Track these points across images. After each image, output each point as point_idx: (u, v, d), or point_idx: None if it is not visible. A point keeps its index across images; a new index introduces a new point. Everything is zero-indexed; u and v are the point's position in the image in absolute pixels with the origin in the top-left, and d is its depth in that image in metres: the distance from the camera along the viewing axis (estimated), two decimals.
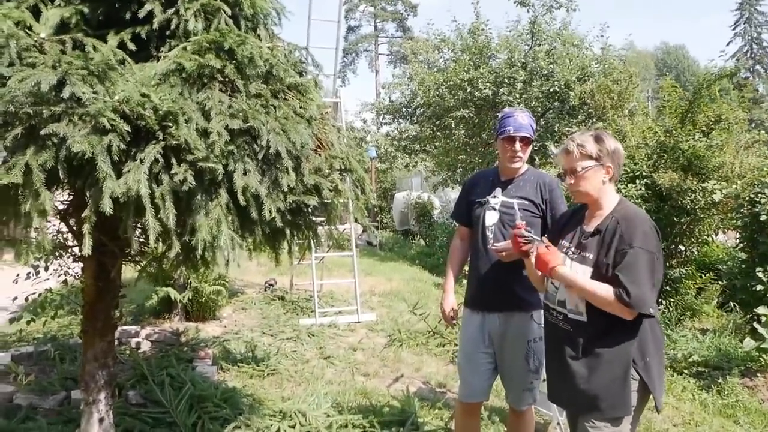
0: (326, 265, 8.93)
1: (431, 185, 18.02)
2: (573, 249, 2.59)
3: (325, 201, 2.83)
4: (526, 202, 3.21)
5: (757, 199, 6.78)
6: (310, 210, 2.90)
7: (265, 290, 8.22)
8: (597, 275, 2.42)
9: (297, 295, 8.15)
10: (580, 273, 2.46)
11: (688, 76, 44.22)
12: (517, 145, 3.18)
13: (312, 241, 3.27)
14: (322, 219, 3.21)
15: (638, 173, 8.23)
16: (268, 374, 5.11)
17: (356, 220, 4.14)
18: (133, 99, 2.16)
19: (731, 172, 7.75)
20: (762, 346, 5.77)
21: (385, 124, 17.89)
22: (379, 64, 49.97)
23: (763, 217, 6.87)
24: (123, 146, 2.13)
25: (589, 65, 10.71)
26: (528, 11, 11.54)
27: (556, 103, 10.92)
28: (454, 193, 18.38)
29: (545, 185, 3.26)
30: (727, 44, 51.87)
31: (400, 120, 16.13)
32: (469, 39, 12.08)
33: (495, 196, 3.29)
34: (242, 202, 2.37)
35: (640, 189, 7.92)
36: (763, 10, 51.34)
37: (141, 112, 2.16)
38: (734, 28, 52.24)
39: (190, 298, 6.38)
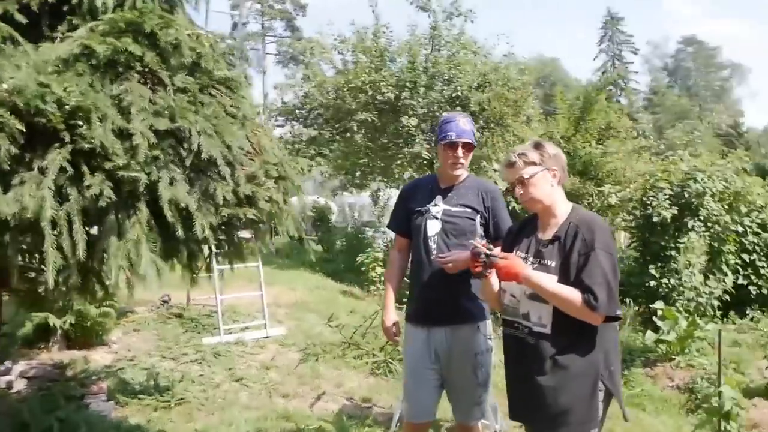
0: (224, 276, 8.37)
1: (328, 190, 17.73)
2: (531, 259, 2.48)
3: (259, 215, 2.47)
4: (469, 210, 3.07)
5: (649, 202, 7.07)
6: (241, 224, 2.53)
7: (159, 307, 7.52)
8: (562, 282, 2.33)
9: (196, 311, 7.54)
10: (546, 278, 2.34)
11: (561, 87, 46.88)
12: (460, 151, 3.02)
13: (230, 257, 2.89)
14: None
15: None
16: (175, 405, 4.60)
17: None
18: (28, 89, 1.71)
19: (623, 177, 8.12)
20: (660, 337, 5.98)
21: (278, 126, 17.33)
22: (266, 64, 49.02)
23: (654, 219, 7.16)
24: (15, 150, 1.68)
25: (489, 73, 10.87)
26: (429, 16, 11.58)
27: (458, 108, 10.99)
28: (351, 198, 18.24)
29: (487, 193, 3.13)
30: (594, 59, 55.80)
31: (294, 122, 15.64)
32: (369, 41, 11.91)
33: (436, 205, 3.11)
34: (169, 218, 1.98)
35: None
36: (624, 30, 55.60)
37: (40, 107, 1.71)
38: (600, 44, 56.24)
39: (72, 322, 5.45)
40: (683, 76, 56.98)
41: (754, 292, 7.25)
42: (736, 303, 7.14)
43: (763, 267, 7.25)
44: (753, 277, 7.21)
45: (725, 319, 6.92)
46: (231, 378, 5.33)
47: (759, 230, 7.30)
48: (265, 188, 2.45)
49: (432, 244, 3.04)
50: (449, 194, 3.10)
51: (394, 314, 3.21)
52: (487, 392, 3.11)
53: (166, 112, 1.97)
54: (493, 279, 2.55)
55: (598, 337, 2.34)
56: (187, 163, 2.07)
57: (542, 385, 2.35)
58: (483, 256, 2.40)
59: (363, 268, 9.84)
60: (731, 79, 55.94)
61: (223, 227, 2.34)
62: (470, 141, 3.02)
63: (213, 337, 6.44)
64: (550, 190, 2.45)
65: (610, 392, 2.38)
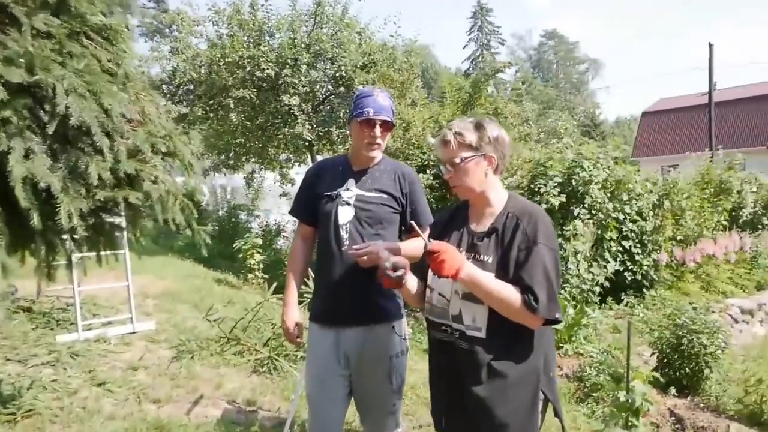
0: (84, 263, 7.46)
1: (200, 170, 16.69)
2: (465, 253, 2.19)
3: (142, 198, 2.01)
4: (385, 196, 2.77)
5: (537, 189, 7.16)
6: (119, 210, 2.04)
7: (2, 300, 6.53)
8: (500, 279, 2.08)
9: (49, 304, 6.64)
10: (486, 275, 2.06)
11: (432, 73, 47.85)
12: (377, 130, 2.69)
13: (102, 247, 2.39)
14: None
15: (426, 162, 8.29)
16: (22, 417, 3.89)
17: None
18: None
19: (510, 164, 8.18)
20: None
21: None
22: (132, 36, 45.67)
23: (543, 206, 7.28)
24: None
25: (373, 53, 10.59)
26: None
27: (341, 89, 10.63)
28: (223, 180, 17.33)
29: (404, 176, 2.84)
30: (464, 47, 57.70)
31: (161, 98, 14.49)
32: (247, 14, 11.19)
33: (348, 189, 2.77)
34: (21, 203, 1.49)
35: (430, 179, 7.95)
36: (492, 20, 57.89)
37: None
38: (469, 34, 58.21)
39: None
40: (545, 68, 60.36)
41: (629, 278, 7.59)
42: (613, 289, 7.44)
43: (637, 254, 7.61)
44: (628, 263, 7.55)
45: (603, 305, 7.18)
46: (91, 382, 4.64)
47: (637, 217, 7.65)
48: (151, 165, 1.98)
49: (344, 234, 2.70)
50: (363, 178, 2.78)
51: (296, 313, 2.84)
52: (401, 400, 2.84)
53: (20, 60, 1.46)
54: (410, 277, 2.26)
55: (535, 340, 2.12)
56: (50, 130, 1.58)
57: (477, 395, 2.11)
58: (391, 269, 2.13)
59: (240, 255, 9.26)
60: (588, 73, 60.21)
61: (95, 214, 1.84)
62: (389, 119, 2.70)
63: (69, 334, 5.64)
64: (482, 179, 2.19)
65: (548, 400, 2.17)
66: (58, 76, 1.55)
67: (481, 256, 2.13)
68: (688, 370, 5.05)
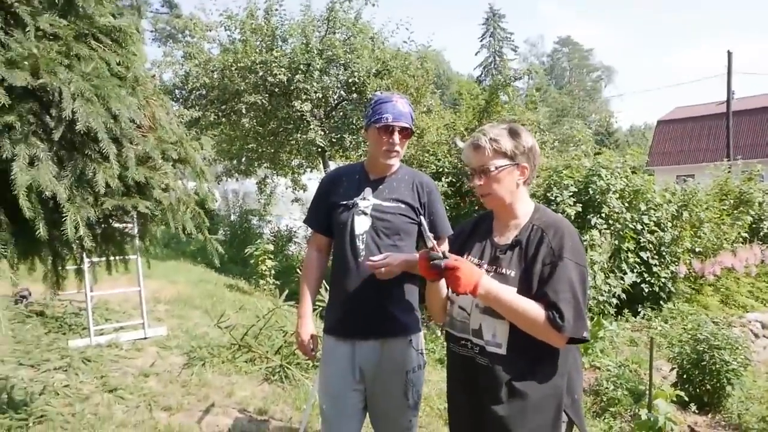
0: (96, 269, 7.43)
1: (211, 175, 16.72)
2: (486, 266, 2.11)
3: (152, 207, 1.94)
4: (403, 206, 2.68)
5: (553, 198, 7.05)
6: (129, 218, 1.97)
7: (16, 304, 6.52)
8: (523, 295, 1.98)
9: (62, 308, 6.62)
10: (507, 290, 1.96)
11: (444, 80, 47.82)
12: (396, 137, 2.60)
13: (112, 255, 2.32)
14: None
15: (441, 170, 8.20)
16: (34, 423, 3.85)
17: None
18: None
19: None
20: None
21: None
22: (143, 39, 45.99)
23: (558, 214, 7.16)
24: None
25: (389, 60, 10.53)
26: None
27: (354, 95, 10.57)
28: (235, 185, 17.33)
29: (422, 186, 2.74)
30: (476, 53, 57.55)
31: (173, 103, 14.53)
32: (261, 19, 11.17)
33: (365, 198, 2.68)
34: (26, 212, 1.42)
35: (444, 186, 7.86)
36: (505, 27, 57.67)
37: None
38: (481, 40, 58.04)
39: None
40: (558, 75, 60.12)
41: (646, 290, 7.44)
42: (629, 301, 7.30)
43: (655, 265, 7.46)
44: (646, 275, 7.40)
45: (619, 317, 7.04)
46: (103, 388, 4.60)
47: (655, 228, 7.50)
48: (162, 173, 1.91)
49: (360, 244, 2.61)
50: (380, 187, 2.69)
51: (311, 326, 2.76)
52: (417, 416, 2.73)
53: (25, 62, 1.40)
54: (442, 284, 2.18)
55: (560, 359, 2.01)
56: (56, 136, 1.51)
57: (497, 415, 2.01)
58: (437, 260, 1.97)
59: (252, 261, 9.21)
60: (602, 81, 59.86)
61: (103, 223, 1.77)
62: (408, 126, 2.61)
63: (81, 339, 5.62)
64: (513, 189, 2.09)
65: (572, 423, 2.07)
66: (65, 79, 1.49)
67: (504, 270, 2.04)
68: (709, 386, 4.90)
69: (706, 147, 30.73)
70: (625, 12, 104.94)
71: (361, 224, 2.63)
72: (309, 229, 2.94)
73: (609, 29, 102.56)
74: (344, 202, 2.68)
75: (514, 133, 2.09)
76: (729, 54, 24.07)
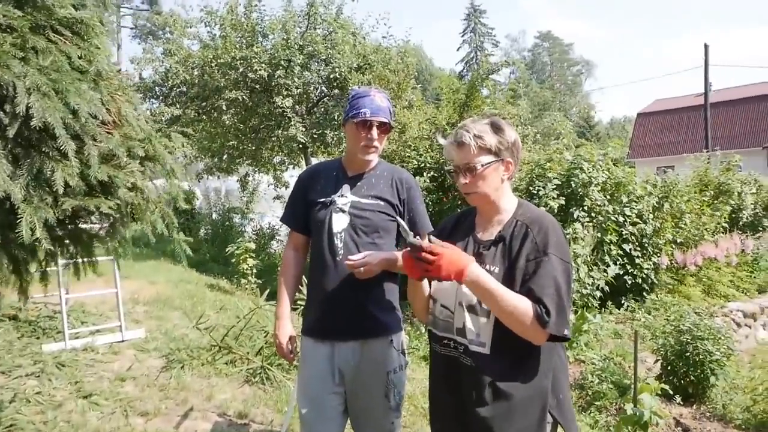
0: (71, 270, 7.26)
1: (192, 173, 16.52)
2: None
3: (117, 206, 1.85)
4: (382, 203, 2.61)
5: (536, 191, 7.02)
6: (94, 219, 1.88)
7: None
8: None
9: (36, 312, 6.45)
10: (494, 280, 1.89)
11: (426, 75, 47.74)
12: (374, 132, 2.54)
13: (79, 257, 2.23)
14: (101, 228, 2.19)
15: (423, 165, 8.14)
16: None
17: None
18: None
19: None
20: None
21: None
22: (121, 37, 45.33)
23: (541, 208, 7.14)
24: None
25: (369, 55, 10.43)
26: None
27: (336, 90, 10.47)
28: (216, 183, 17.13)
29: (402, 182, 2.68)
30: (458, 49, 57.58)
31: (153, 100, 14.29)
32: (242, 15, 11.02)
33: (343, 195, 2.61)
34: None
35: (426, 181, 7.80)
36: (486, 22, 57.78)
37: None
38: (463, 35, 58.09)
39: None
40: (539, 70, 60.39)
41: (629, 282, 7.45)
42: (612, 293, 7.30)
43: (637, 257, 7.47)
44: (629, 267, 7.40)
45: (603, 310, 7.03)
46: (77, 394, 4.48)
47: (637, 220, 7.50)
48: (128, 171, 1.82)
49: (338, 243, 2.55)
50: (358, 183, 2.62)
51: (289, 327, 2.69)
52: (399, 418, 2.67)
53: None
54: (425, 282, 2.11)
55: (544, 358, 1.97)
56: (11, 133, 1.42)
57: (481, 416, 1.95)
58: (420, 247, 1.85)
59: (233, 260, 9.09)
60: (582, 75, 60.28)
61: (69, 224, 1.68)
62: (387, 120, 2.55)
63: (56, 343, 5.47)
64: (498, 185, 2.04)
65: (557, 423, 2.01)
66: (19, 73, 1.40)
67: (487, 266, 1.98)
68: (693, 377, 4.91)
69: (685, 138, 31.09)
70: (607, 5, 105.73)
71: (339, 222, 2.57)
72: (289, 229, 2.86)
73: (590, 23, 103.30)
74: (322, 200, 2.61)
75: (497, 128, 2.04)
76: (706, 47, 24.31)
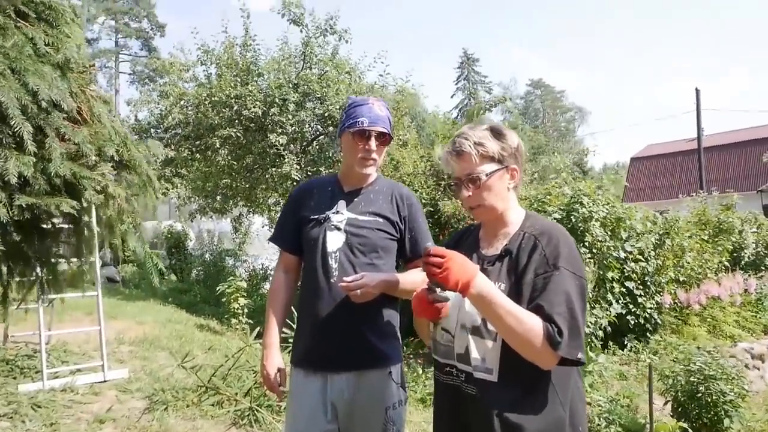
0: (55, 308, 7.00)
1: (185, 214, 16.33)
2: None
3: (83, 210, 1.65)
4: (380, 220, 2.40)
5: None
6: (55, 225, 1.68)
7: None
8: None
9: (15, 350, 6.17)
10: (502, 294, 1.68)
11: (419, 121, 48.13)
12: (373, 143, 2.35)
13: (43, 279, 2.02)
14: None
15: (419, 201, 7.98)
16: None
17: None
18: None
19: None
20: None
21: None
22: (120, 83, 45.81)
23: (552, 220, 6.96)
24: None
25: (365, 93, 10.41)
26: (301, 31, 10.91)
27: (330, 128, 10.39)
28: (210, 224, 16.95)
29: (403, 198, 2.48)
30: (452, 96, 58.26)
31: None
32: (237, 54, 11.03)
33: (338, 212, 2.41)
34: None
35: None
36: (479, 70, 58.72)
37: None
38: (456, 83, 58.92)
39: None
40: (532, 116, 61.09)
41: (632, 322, 7.20)
42: (615, 333, 7.05)
43: (640, 296, 7.25)
44: (631, 306, 7.17)
45: (606, 350, 6.77)
46: None
47: (639, 257, 7.31)
48: (99, 173, 1.62)
49: (332, 263, 2.33)
50: (355, 199, 2.43)
51: (278, 357, 2.43)
52: None
53: None
54: None
55: (560, 385, 1.73)
56: None
57: None
58: (436, 290, 1.68)
59: (224, 299, 8.81)
60: (575, 121, 61.09)
61: (21, 227, 1.48)
62: (386, 130, 2.37)
63: (33, 383, 5.19)
64: (505, 195, 1.86)
65: None
66: None
67: (493, 282, 1.77)
68: (706, 419, 4.63)
69: (679, 182, 31.20)
70: (599, 55, 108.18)
71: (334, 241, 2.36)
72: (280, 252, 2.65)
73: (579, 72, 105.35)
74: (315, 217, 2.41)
75: (498, 134, 1.87)
76: (697, 91, 24.56)
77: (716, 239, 9.85)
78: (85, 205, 1.57)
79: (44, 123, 1.42)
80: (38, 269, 1.87)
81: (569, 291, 1.67)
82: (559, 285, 1.67)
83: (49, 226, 1.75)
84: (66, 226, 1.87)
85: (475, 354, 1.76)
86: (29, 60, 1.39)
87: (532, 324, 1.62)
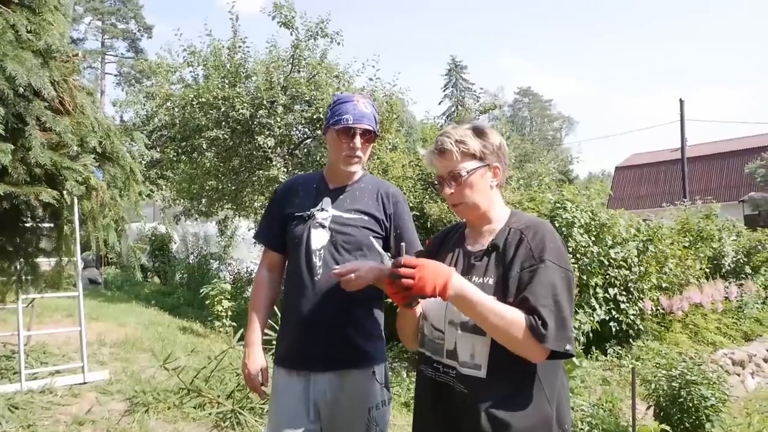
0: (36, 308, 6.90)
1: (170, 216, 16.20)
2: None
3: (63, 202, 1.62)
4: (366, 218, 2.40)
5: None
6: (34, 217, 1.66)
7: None
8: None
9: None
10: (481, 291, 1.68)
11: (406, 127, 48.20)
12: (358, 140, 2.34)
13: (23, 276, 1.99)
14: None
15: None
16: None
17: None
18: None
19: None
20: None
21: None
22: (105, 84, 45.45)
23: (538, 217, 6.98)
24: None
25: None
26: (291, 34, 10.86)
27: (318, 132, 10.36)
28: (195, 227, 16.82)
29: (389, 196, 2.48)
30: (439, 103, 58.41)
31: (133, 143, 14.08)
32: (224, 56, 10.97)
33: (323, 209, 2.40)
34: None
35: None
36: (467, 78, 58.88)
37: None
38: (444, 90, 59.09)
39: None
40: (519, 124, 61.44)
41: (614, 328, 7.23)
42: (597, 339, 7.08)
43: (623, 302, 7.28)
44: (614, 312, 7.20)
45: (588, 356, 6.79)
46: None
47: (622, 263, 7.35)
48: (81, 164, 1.60)
49: (317, 261, 2.32)
50: (341, 197, 2.41)
51: (261, 357, 2.41)
52: None
53: None
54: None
55: (547, 382, 1.74)
56: None
57: None
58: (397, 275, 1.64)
59: (207, 301, 8.74)
60: (562, 130, 61.50)
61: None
62: (371, 128, 2.36)
63: (11, 384, 5.10)
64: (488, 193, 1.88)
65: None
66: None
67: (480, 278, 1.78)
68: (688, 424, 4.66)
69: (663, 191, 31.51)
70: (582, 65, 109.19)
71: (319, 238, 2.35)
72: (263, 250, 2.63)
73: (566, 80, 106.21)
74: (299, 214, 2.40)
75: (479, 132, 1.89)
76: (681, 102, 24.83)
77: (696, 246, 9.95)
78: (66, 196, 1.54)
79: (24, 111, 1.40)
80: (18, 265, 1.83)
81: (555, 283, 1.68)
82: (545, 278, 1.68)
83: (30, 220, 1.72)
84: (47, 220, 1.84)
85: (463, 350, 1.76)
86: (9, 46, 1.37)
87: (513, 317, 1.63)
